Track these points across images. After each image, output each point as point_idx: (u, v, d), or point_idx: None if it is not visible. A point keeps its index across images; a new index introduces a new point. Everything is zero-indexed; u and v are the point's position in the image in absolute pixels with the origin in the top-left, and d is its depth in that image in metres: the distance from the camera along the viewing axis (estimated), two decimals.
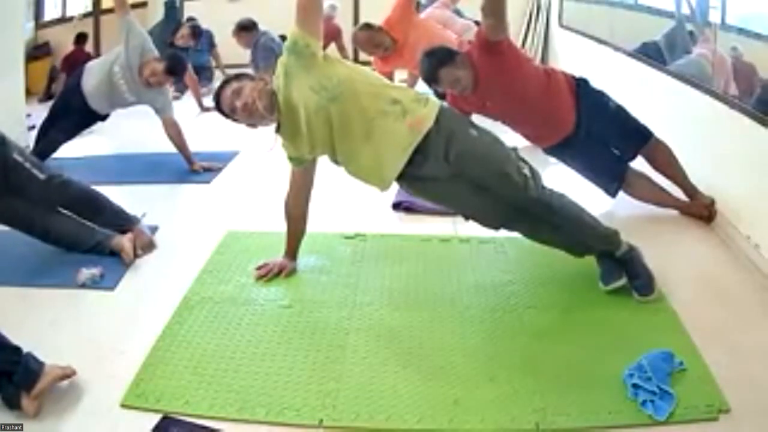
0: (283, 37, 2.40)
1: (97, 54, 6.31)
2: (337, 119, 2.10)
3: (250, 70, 5.14)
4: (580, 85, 2.82)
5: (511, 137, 2.71)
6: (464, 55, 2.69)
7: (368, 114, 2.10)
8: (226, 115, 2.21)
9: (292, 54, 2.11)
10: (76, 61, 5.39)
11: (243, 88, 2.12)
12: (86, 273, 2.41)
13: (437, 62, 2.65)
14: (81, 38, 6.29)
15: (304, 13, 2.08)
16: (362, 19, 6.57)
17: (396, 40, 3.81)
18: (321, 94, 2.08)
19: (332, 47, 6.05)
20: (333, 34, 6.04)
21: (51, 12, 6.71)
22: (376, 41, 3.84)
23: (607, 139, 2.84)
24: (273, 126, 2.21)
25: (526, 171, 2.12)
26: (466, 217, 2.30)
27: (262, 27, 5.14)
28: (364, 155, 2.15)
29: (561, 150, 2.88)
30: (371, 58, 4.15)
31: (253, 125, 2.19)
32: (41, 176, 2.54)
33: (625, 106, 2.85)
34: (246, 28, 5.03)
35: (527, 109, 2.77)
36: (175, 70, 3.61)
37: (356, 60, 5.25)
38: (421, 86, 2.89)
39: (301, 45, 2.08)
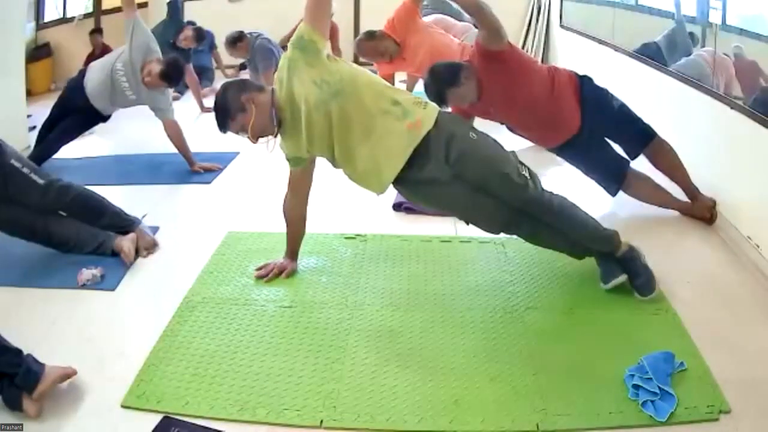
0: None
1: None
2: (337, 115, 2.10)
3: (248, 73, 5.15)
4: (584, 83, 2.81)
5: (507, 137, 2.70)
6: (467, 68, 2.69)
7: (369, 112, 2.10)
8: None
9: (297, 49, 2.11)
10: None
11: (235, 119, 2.13)
12: (87, 273, 2.42)
13: (442, 85, 2.66)
14: (97, 32, 6.27)
15: (312, 13, 2.09)
16: (362, 19, 6.59)
17: (398, 43, 3.80)
18: (323, 88, 2.08)
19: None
20: (330, 33, 6.04)
21: (52, 13, 6.72)
22: (380, 49, 3.82)
23: (611, 137, 2.83)
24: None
25: (526, 173, 2.13)
26: (467, 222, 2.30)
27: (257, 30, 5.13)
28: (362, 155, 2.14)
29: (565, 150, 2.87)
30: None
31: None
32: (41, 181, 2.52)
33: (628, 105, 2.85)
34: (238, 39, 4.99)
35: (531, 113, 2.76)
36: (169, 76, 3.57)
37: (356, 62, 5.24)
38: (420, 87, 2.88)
39: (306, 40, 2.09)
